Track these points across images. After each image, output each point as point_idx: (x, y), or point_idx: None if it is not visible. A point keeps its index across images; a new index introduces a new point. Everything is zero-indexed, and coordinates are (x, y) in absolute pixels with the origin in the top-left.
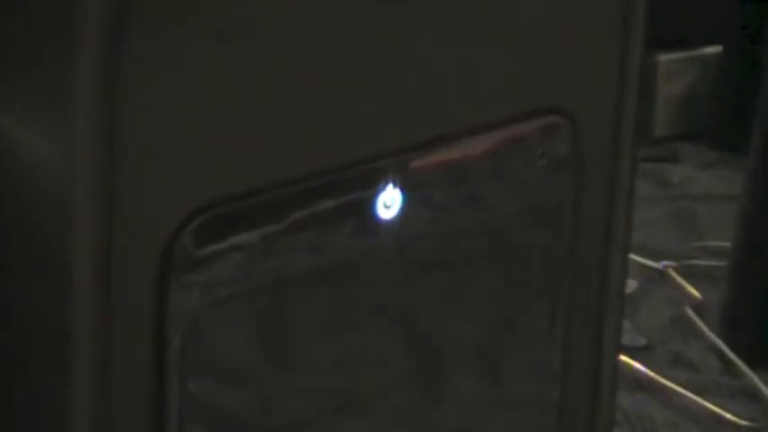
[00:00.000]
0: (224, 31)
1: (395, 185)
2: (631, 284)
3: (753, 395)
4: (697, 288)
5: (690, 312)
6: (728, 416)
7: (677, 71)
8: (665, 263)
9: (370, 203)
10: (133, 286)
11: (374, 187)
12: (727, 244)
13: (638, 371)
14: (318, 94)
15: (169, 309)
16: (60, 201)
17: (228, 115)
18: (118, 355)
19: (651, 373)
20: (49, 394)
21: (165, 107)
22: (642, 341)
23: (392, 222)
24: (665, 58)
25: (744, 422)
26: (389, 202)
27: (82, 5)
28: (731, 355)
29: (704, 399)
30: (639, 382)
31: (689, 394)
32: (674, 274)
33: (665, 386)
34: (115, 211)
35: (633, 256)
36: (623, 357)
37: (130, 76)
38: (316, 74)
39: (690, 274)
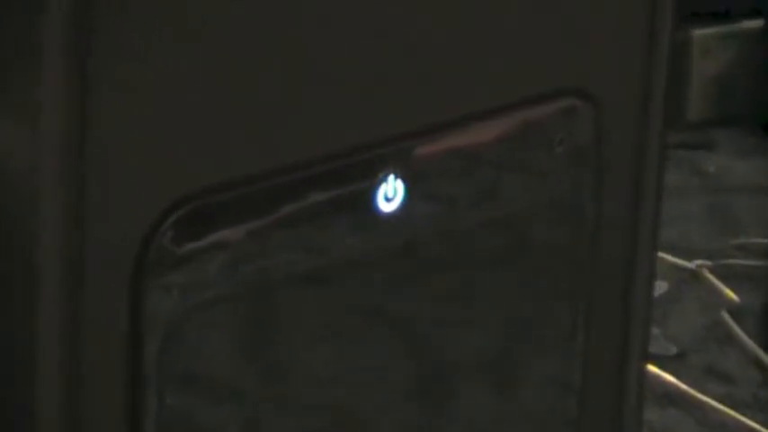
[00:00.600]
0: (200, 11)
1: (397, 176)
2: (661, 286)
3: None
4: (734, 290)
5: (726, 317)
6: None
7: (714, 48)
8: (698, 262)
9: (369, 196)
10: (105, 289)
11: (374, 178)
12: None
13: (668, 383)
14: (309, 73)
15: (145, 314)
16: (25, 195)
17: (209, 99)
18: (88, 365)
19: (683, 386)
20: (14, 409)
21: (137, 92)
22: (673, 350)
23: (394, 217)
24: (699, 33)
25: None
26: (391, 195)
27: None
28: None
29: (742, 414)
30: (670, 396)
31: (725, 409)
32: (708, 274)
33: (698, 400)
34: (85, 206)
35: (663, 255)
36: (651, 368)
37: (99, 61)
38: (304, 50)
39: (726, 275)
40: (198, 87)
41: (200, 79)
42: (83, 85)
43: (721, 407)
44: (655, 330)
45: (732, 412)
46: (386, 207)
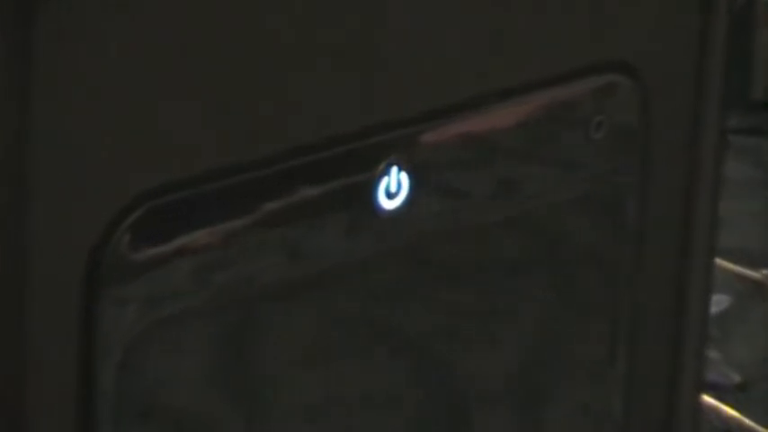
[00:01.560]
0: None
1: (401, 167)
2: (721, 301)
3: None
4: None
5: None
6: None
7: None
8: (765, 272)
9: (367, 191)
10: (49, 307)
11: (373, 170)
12: None
13: (728, 417)
14: (297, 44)
15: (98, 335)
16: None
17: (170, 76)
18: (32, 400)
19: (747, 421)
20: None
21: (82, 76)
22: (735, 378)
23: (398, 217)
24: None
25: None
26: (394, 190)
27: None
28: None
29: None
30: None
31: None
32: None
33: None
34: (26, 207)
35: (722, 263)
36: (708, 399)
37: (39, 45)
38: (287, 16)
39: None
40: (157, 62)
41: (158, 52)
42: (21, 71)
43: None
44: (713, 354)
45: None
46: (388, 204)
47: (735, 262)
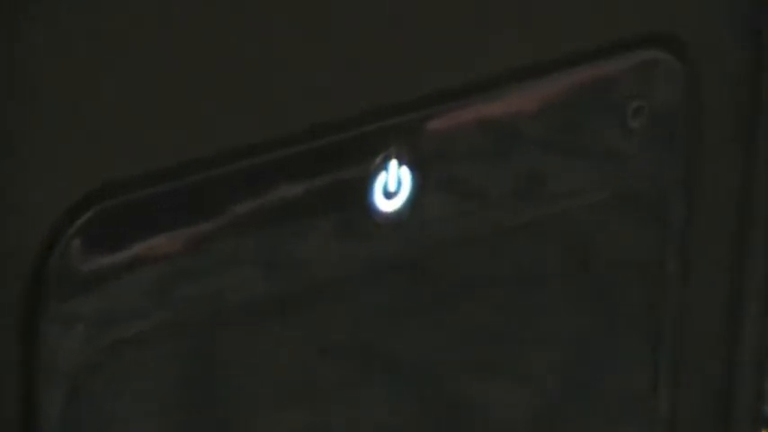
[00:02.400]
0: None
1: (401, 161)
2: None
3: None
4: None
5: None
6: None
7: None
8: None
9: (362, 190)
10: None
11: (369, 164)
12: None
13: None
14: (271, 16)
15: (41, 360)
16: None
17: (127, 57)
18: None
19: None
20: None
21: (31, 59)
22: None
23: (397, 220)
24: None
25: None
26: (393, 188)
27: None
28: None
29: None
30: None
31: None
32: None
33: None
34: None
35: None
36: None
37: None
38: None
39: None
40: (112, 41)
41: (113, 31)
42: None
43: None
44: None
45: None
46: (386, 206)
47: None
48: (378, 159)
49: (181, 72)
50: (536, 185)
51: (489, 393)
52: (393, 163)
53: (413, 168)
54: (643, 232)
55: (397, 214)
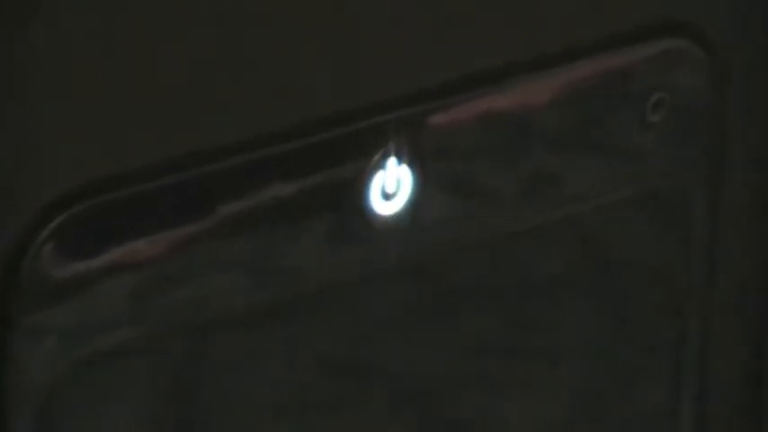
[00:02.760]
0: None
1: (401, 159)
2: None
3: None
4: None
5: None
6: None
7: None
8: None
9: (358, 191)
10: None
11: (365, 162)
12: None
13: None
14: (263, 9)
15: (11, 374)
16: None
17: (106, 56)
18: None
19: None
20: None
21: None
22: None
23: (396, 223)
24: None
25: None
26: (392, 189)
27: None
28: None
29: None
30: None
31: None
32: None
33: None
34: None
35: None
36: None
37: None
38: None
39: None
40: (82, 35)
41: (85, 26)
42: None
43: None
44: None
45: None
46: (384, 208)
47: None
48: (375, 157)
49: (162, 65)
50: (547, 185)
51: (496, 412)
52: (391, 161)
53: (413, 167)
54: (664, 235)
55: (396, 217)
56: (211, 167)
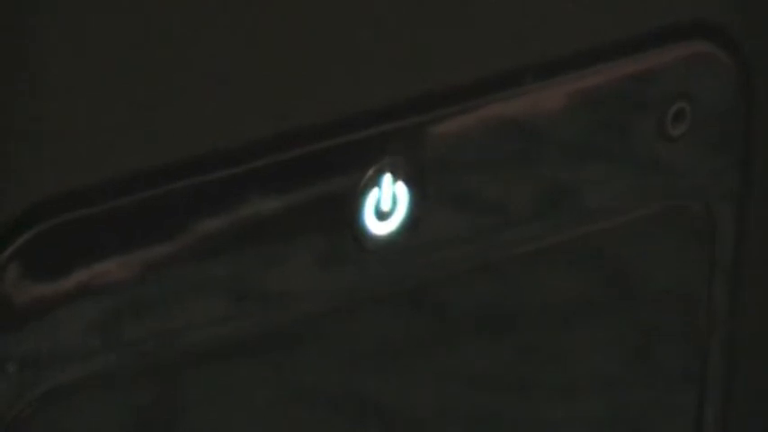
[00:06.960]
0: None
1: (397, 175)
2: None
3: None
4: None
5: None
6: None
7: None
8: None
9: (350, 209)
10: None
11: (358, 178)
12: None
13: None
14: (247, 13)
15: None
16: None
17: (78, 59)
18: None
19: None
20: None
21: None
22: None
23: (392, 245)
24: None
25: None
26: (387, 207)
27: None
28: None
29: None
30: None
31: None
32: None
33: None
34: None
35: None
36: None
37: None
38: None
39: None
40: (49, 39)
41: (51, 29)
42: None
43: None
44: None
45: None
46: (378, 228)
47: None
48: (369, 173)
49: (134, 75)
50: (559, 202)
51: None
52: (387, 177)
53: (410, 183)
54: (687, 253)
55: (392, 238)
56: (189, 182)
